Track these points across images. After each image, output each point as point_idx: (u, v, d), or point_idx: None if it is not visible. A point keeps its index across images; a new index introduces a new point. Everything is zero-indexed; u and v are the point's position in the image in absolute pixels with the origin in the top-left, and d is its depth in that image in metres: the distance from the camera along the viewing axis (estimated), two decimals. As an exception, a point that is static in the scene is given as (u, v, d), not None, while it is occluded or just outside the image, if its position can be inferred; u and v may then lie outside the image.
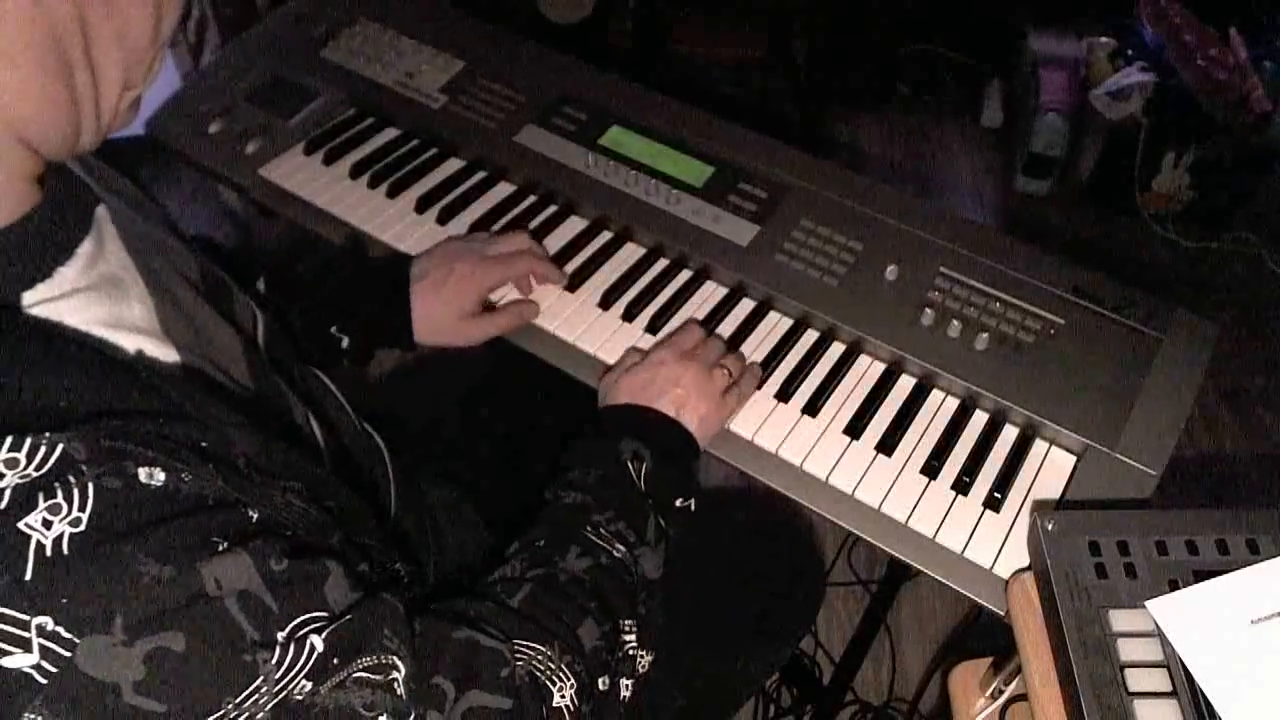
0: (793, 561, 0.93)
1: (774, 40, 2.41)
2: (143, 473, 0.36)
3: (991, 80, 2.43)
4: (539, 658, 0.50)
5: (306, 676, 0.38)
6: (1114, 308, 0.79)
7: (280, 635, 0.38)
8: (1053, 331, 0.78)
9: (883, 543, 0.68)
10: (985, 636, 1.33)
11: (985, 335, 0.77)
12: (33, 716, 0.33)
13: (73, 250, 0.42)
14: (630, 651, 0.56)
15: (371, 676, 0.41)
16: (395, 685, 0.42)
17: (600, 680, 0.53)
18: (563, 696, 0.50)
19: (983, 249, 0.83)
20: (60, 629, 0.32)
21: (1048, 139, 2.13)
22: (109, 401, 0.37)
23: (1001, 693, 0.65)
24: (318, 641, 0.39)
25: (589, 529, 0.59)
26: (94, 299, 0.42)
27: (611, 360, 0.78)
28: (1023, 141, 2.19)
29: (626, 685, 0.56)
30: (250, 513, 0.39)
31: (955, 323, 0.78)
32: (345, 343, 0.77)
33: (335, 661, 0.39)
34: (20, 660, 0.32)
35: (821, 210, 0.87)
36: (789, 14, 2.35)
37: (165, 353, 0.44)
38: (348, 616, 0.41)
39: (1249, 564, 0.55)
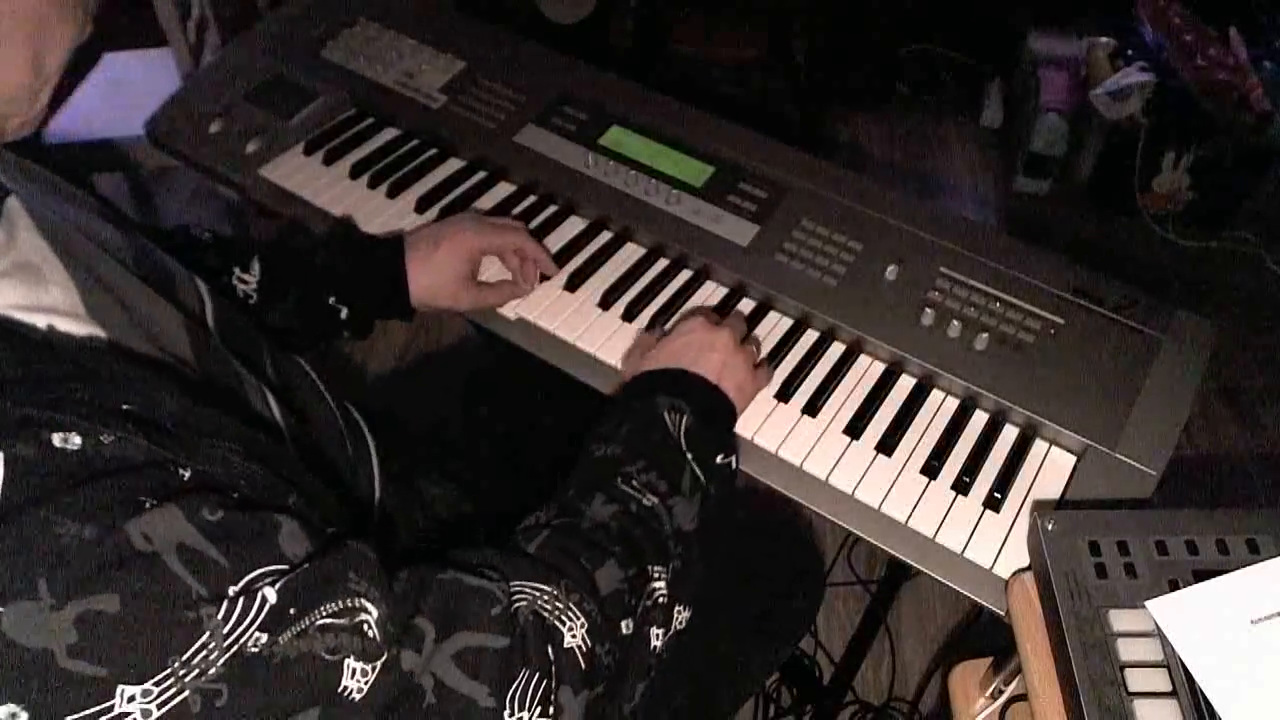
0: (793, 561, 0.93)
1: (774, 40, 2.41)
2: (57, 438, 0.35)
3: (991, 80, 2.43)
4: (544, 597, 0.48)
5: (260, 629, 0.37)
6: (1114, 308, 0.79)
7: (231, 590, 0.37)
8: (1053, 331, 0.78)
9: (883, 543, 0.68)
10: (985, 636, 1.34)
11: (985, 335, 0.77)
12: None
13: None
14: (660, 600, 0.54)
15: (336, 621, 0.39)
16: (365, 627, 0.40)
17: (623, 623, 0.51)
18: (573, 636, 0.48)
19: (983, 249, 0.83)
20: None
21: (1048, 139, 2.13)
22: (16, 374, 0.37)
23: (1001, 693, 0.65)
24: (270, 593, 0.38)
25: (619, 479, 0.58)
26: (5, 285, 0.41)
27: (612, 360, 0.78)
28: (1023, 141, 2.19)
29: (658, 635, 0.54)
30: (181, 471, 0.39)
31: (955, 323, 0.78)
32: (344, 314, 0.77)
33: (292, 611, 0.38)
34: None
35: (821, 210, 0.87)
36: (789, 14, 2.35)
37: (82, 328, 0.43)
38: (305, 565, 0.40)
39: (1249, 564, 0.55)
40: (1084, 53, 2.15)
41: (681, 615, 0.56)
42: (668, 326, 0.79)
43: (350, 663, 0.39)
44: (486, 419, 0.98)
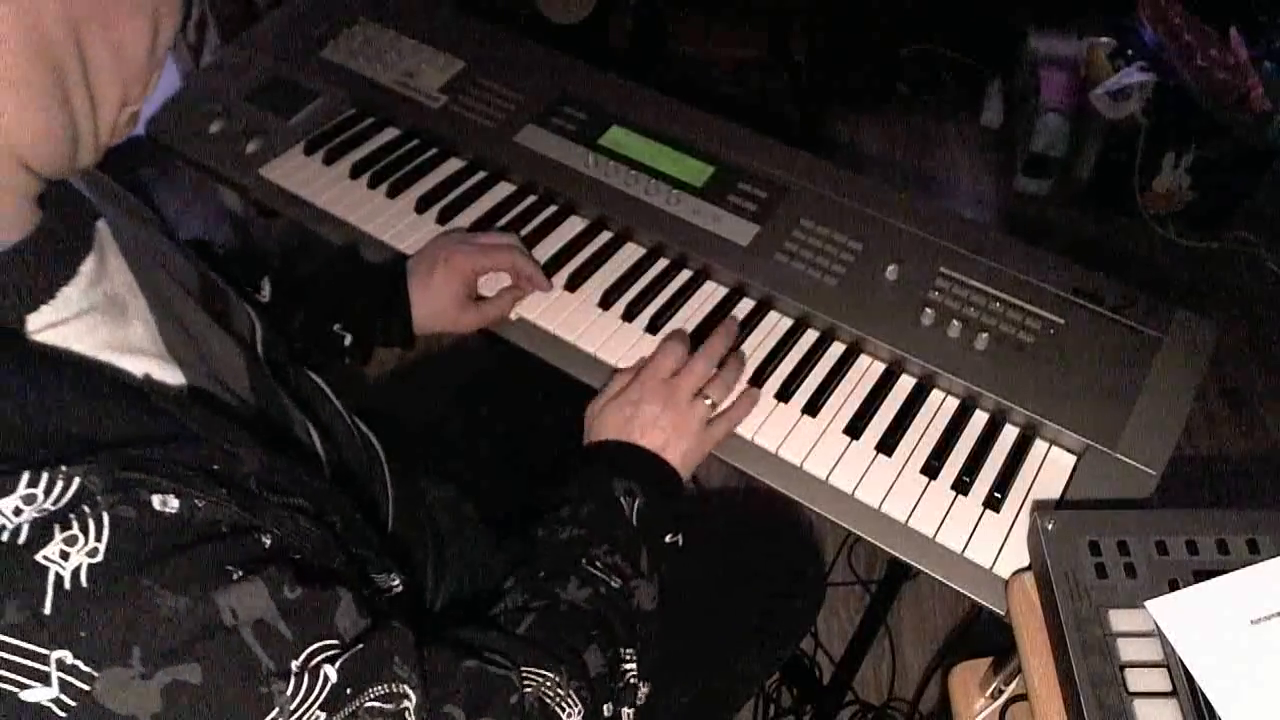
0: (793, 561, 0.93)
1: (774, 40, 2.41)
2: (156, 500, 0.36)
3: (991, 80, 2.43)
4: (547, 684, 0.50)
5: (321, 707, 0.38)
6: (1114, 308, 0.79)
7: (294, 665, 0.38)
8: (1053, 331, 0.78)
9: (883, 543, 0.68)
10: (985, 636, 1.34)
11: (985, 335, 0.77)
12: None
13: (75, 269, 0.42)
14: (631, 681, 0.57)
15: (383, 706, 0.41)
16: (406, 714, 0.42)
17: (605, 707, 0.54)
18: None
19: (983, 249, 0.83)
20: (79, 662, 0.32)
21: (1048, 139, 2.13)
22: (121, 429, 0.37)
23: (1001, 693, 0.65)
24: (331, 671, 0.39)
25: (586, 561, 0.59)
26: (99, 322, 0.41)
27: (612, 360, 0.78)
28: (1023, 141, 2.19)
29: (628, 715, 0.56)
30: (263, 538, 0.39)
31: (955, 323, 0.78)
32: (347, 340, 0.78)
33: (348, 691, 0.39)
34: (40, 694, 0.32)
35: (821, 210, 0.87)
36: (789, 14, 2.35)
37: (171, 374, 0.44)
38: (359, 645, 0.41)
39: (1249, 564, 0.55)
40: (1084, 53, 2.15)
41: (643, 691, 0.58)
42: (655, 341, 0.79)
43: None
44: (486, 419, 0.98)
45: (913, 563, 0.67)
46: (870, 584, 1.50)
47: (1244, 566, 0.54)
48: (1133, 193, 2.08)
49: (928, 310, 0.79)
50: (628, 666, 0.57)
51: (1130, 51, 2.07)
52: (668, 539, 0.65)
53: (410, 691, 0.42)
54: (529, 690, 0.49)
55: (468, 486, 0.88)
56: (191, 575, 0.35)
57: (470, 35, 1.06)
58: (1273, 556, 0.55)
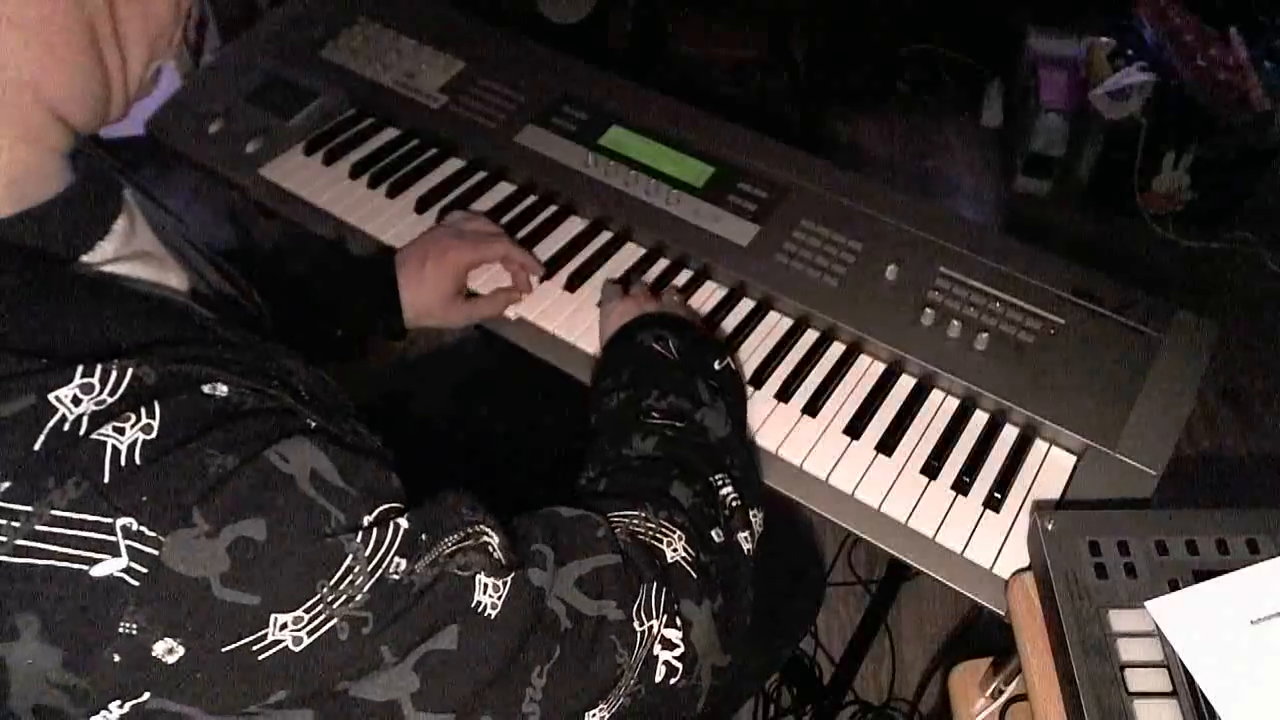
0: (793, 561, 0.93)
1: (774, 40, 2.41)
2: (206, 387, 0.36)
3: (991, 80, 2.43)
4: (635, 520, 0.50)
5: (399, 554, 0.38)
6: (1114, 308, 0.79)
7: (366, 519, 0.38)
8: (1053, 331, 0.78)
9: (883, 543, 0.68)
10: (985, 636, 1.34)
11: (985, 335, 0.77)
12: (128, 625, 0.33)
13: (110, 225, 0.43)
14: (734, 504, 0.56)
15: (465, 544, 0.41)
16: (489, 548, 0.42)
17: (714, 532, 0.53)
18: (674, 551, 0.49)
19: (983, 249, 0.83)
20: (144, 528, 0.33)
21: (1048, 139, 2.12)
22: (168, 333, 0.38)
23: (1001, 693, 0.65)
24: (403, 521, 0.39)
25: (643, 415, 0.59)
26: (138, 266, 0.43)
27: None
28: (1023, 141, 2.19)
29: (745, 538, 0.56)
30: (310, 421, 0.40)
31: (955, 323, 0.78)
32: (338, 334, 0.79)
33: (424, 538, 0.39)
34: (110, 566, 0.32)
35: (821, 210, 0.87)
36: (789, 14, 2.35)
37: (209, 311, 0.45)
38: (426, 502, 0.41)
39: (1249, 564, 0.55)
40: (1084, 53, 2.15)
41: (757, 517, 0.58)
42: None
43: (482, 578, 0.40)
44: (486, 418, 0.98)
45: (913, 563, 0.67)
46: (870, 584, 1.50)
47: (1244, 566, 0.54)
48: (1133, 193, 2.08)
49: (928, 310, 0.79)
50: (725, 491, 0.56)
51: (1130, 51, 2.07)
52: (717, 365, 0.66)
53: (489, 530, 0.42)
54: (617, 529, 0.49)
55: (468, 486, 0.88)
56: (242, 438, 0.36)
57: (470, 35, 1.06)
58: (1273, 556, 0.55)
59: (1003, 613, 0.63)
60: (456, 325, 0.83)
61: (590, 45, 2.12)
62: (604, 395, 0.63)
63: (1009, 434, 0.74)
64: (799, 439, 0.73)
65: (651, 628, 0.46)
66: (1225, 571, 0.54)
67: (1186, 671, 0.51)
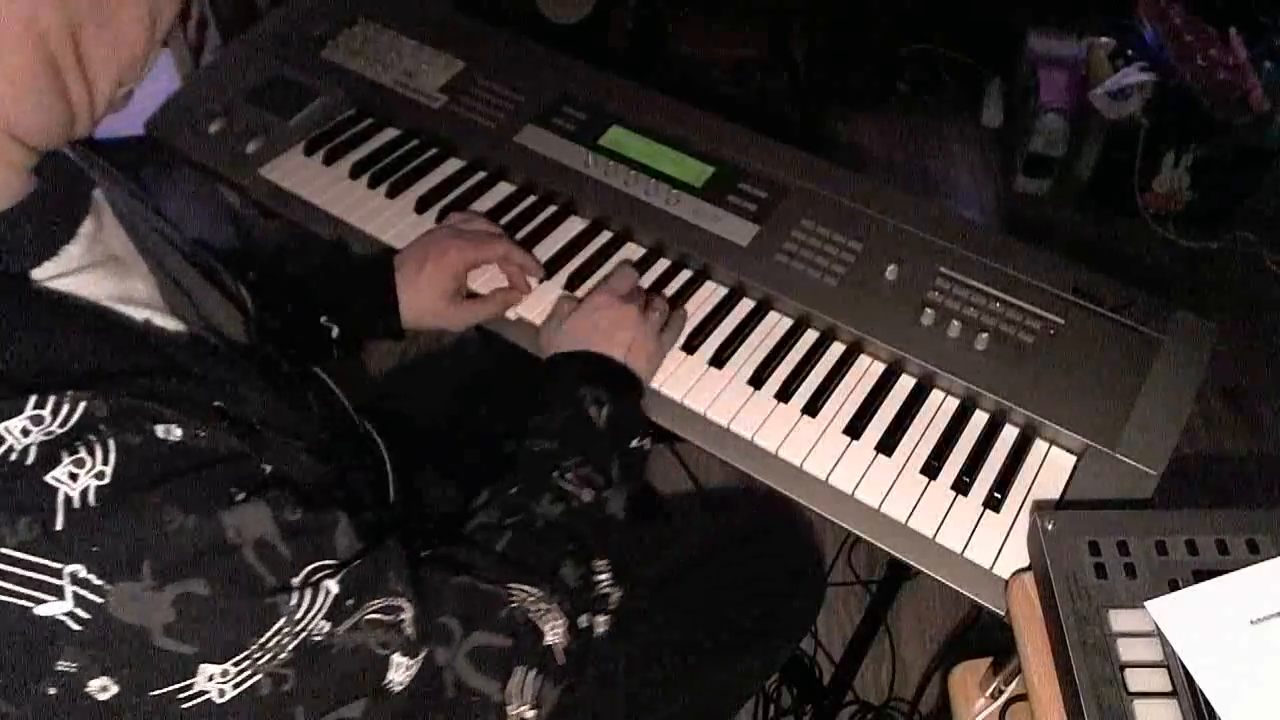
0: (793, 561, 0.93)
1: (774, 40, 2.41)
2: (160, 429, 0.37)
3: (991, 80, 2.43)
4: (531, 598, 0.52)
5: (325, 617, 0.40)
6: (1114, 308, 0.79)
7: (295, 580, 0.39)
8: (1053, 331, 0.78)
9: (883, 543, 0.68)
10: (985, 636, 1.34)
11: (985, 335, 0.77)
12: (66, 664, 0.34)
13: (75, 230, 0.43)
14: (604, 590, 0.59)
15: (383, 618, 0.43)
16: (404, 625, 0.44)
17: (583, 617, 0.56)
18: (555, 634, 0.52)
19: (983, 249, 0.83)
20: (92, 576, 0.33)
21: (1048, 139, 2.12)
22: (123, 364, 0.38)
23: (1001, 693, 0.65)
24: (332, 585, 0.41)
25: (558, 474, 0.61)
26: (102, 275, 0.43)
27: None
28: (1023, 141, 2.19)
29: (602, 622, 0.59)
30: (264, 465, 0.41)
31: (955, 323, 0.78)
32: (335, 332, 0.79)
33: (350, 603, 0.41)
34: (54, 608, 0.33)
35: (821, 210, 0.87)
36: (789, 14, 2.35)
37: (171, 323, 0.45)
38: (358, 561, 0.43)
39: (1249, 564, 0.55)
40: (1084, 53, 2.15)
41: (616, 597, 0.60)
42: (579, 294, 0.82)
43: (397, 658, 0.43)
44: (486, 418, 0.98)
45: (913, 563, 0.67)
46: (870, 584, 1.50)
47: (1244, 566, 0.54)
48: (1133, 193, 2.08)
49: (928, 310, 0.79)
50: (601, 577, 0.59)
51: (1130, 51, 2.07)
52: (634, 444, 0.67)
53: (406, 604, 0.44)
54: (515, 605, 0.51)
55: (468, 486, 0.88)
56: (198, 495, 0.37)
57: (470, 35, 1.06)
58: (1273, 556, 0.55)
59: (1003, 613, 0.63)
60: (455, 327, 0.83)
61: (590, 45, 2.12)
62: (534, 434, 0.64)
63: (1009, 434, 0.74)
64: (799, 439, 0.73)
65: (521, 710, 0.49)
66: (1225, 571, 0.54)
67: (1186, 671, 0.51)
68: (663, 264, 0.87)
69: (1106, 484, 0.69)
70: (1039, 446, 0.74)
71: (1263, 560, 0.55)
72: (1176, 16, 2.01)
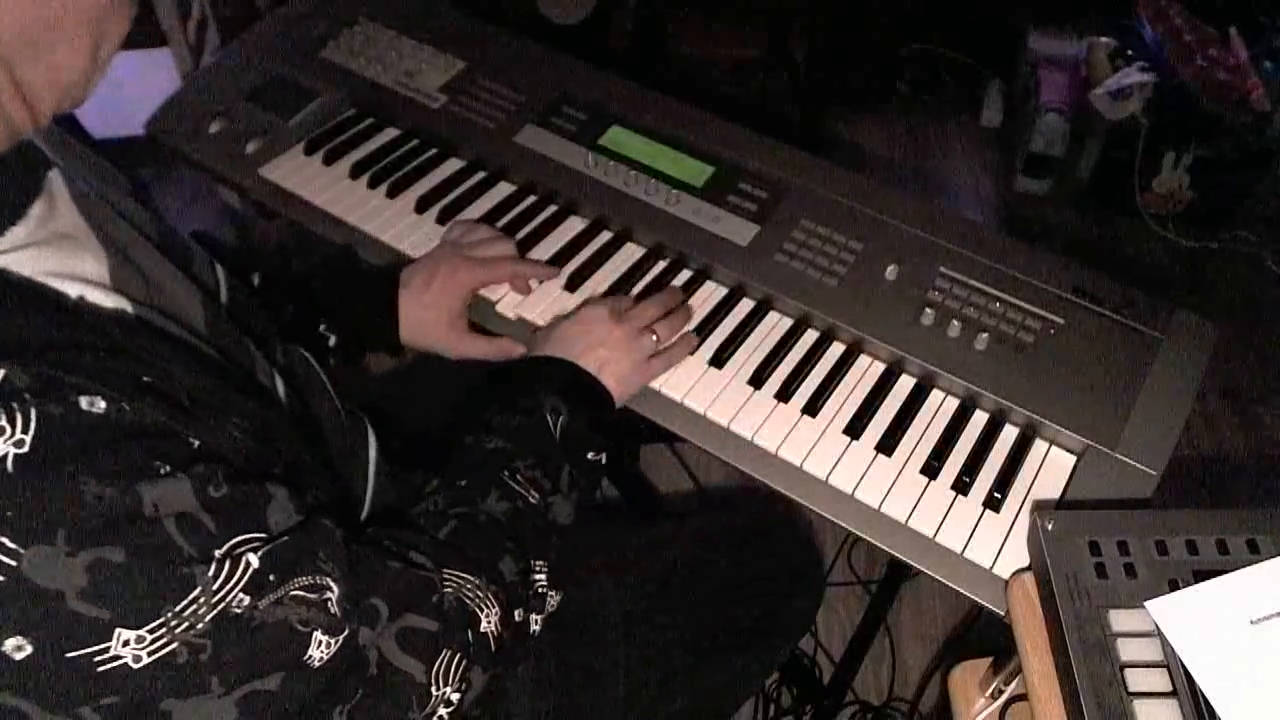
0: (793, 561, 0.93)
1: (774, 40, 2.41)
2: (83, 400, 0.37)
3: (991, 80, 2.43)
4: (467, 585, 0.53)
5: (244, 590, 0.40)
6: (1114, 308, 0.79)
7: (217, 553, 0.40)
8: (1053, 331, 0.78)
9: (883, 543, 0.68)
10: (985, 636, 1.34)
11: (985, 335, 0.77)
12: None
13: (24, 211, 0.43)
14: (540, 590, 0.60)
15: (307, 595, 0.43)
16: (329, 604, 0.44)
17: (517, 611, 0.57)
18: (489, 621, 0.53)
19: (983, 249, 0.83)
20: (5, 539, 0.34)
21: (1048, 139, 2.13)
22: (49, 337, 0.39)
23: (1001, 693, 0.65)
24: (254, 559, 0.41)
25: (508, 474, 0.62)
26: (44, 252, 0.43)
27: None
28: (1023, 141, 2.19)
29: (536, 620, 0.60)
30: (191, 440, 0.41)
31: (955, 323, 0.78)
32: (332, 341, 0.79)
33: (272, 578, 0.42)
34: None
35: (821, 210, 0.87)
36: (789, 14, 2.35)
37: (111, 300, 0.45)
38: (284, 538, 0.43)
39: (1249, 564, 0.55)
40: (1084, 53, 2.15)
41: (553, 600, 0.61)
42: (578, 294, 0.82)
43: (318, 635, 0.43)
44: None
45: (913, 563, 0.67)
46: (870, 584, 1.50)
47: (1244, 566, 0.54)
48: (1133, 193, 2.08)
49: (928, 310, 0.79)
50: (538, 577, 0.60)
51: (1130, 51, 2.07)
52: (590, 456, 0.68)
53: (333, 584, 0.45)
54: (449, 590, 0.52)
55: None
56: (117, 468, 0.37)
57: (470, 35, 1.06)
58: (1273, 556, 0.55)
59: (1003, 613, 0.63)
60: (452, 354, 0.82)
61: (590, 45, 2.12)
62: (486, 431, 0.65)
63: (1009, 434, 0.74)
64: (799, 439, 0.73)
65: (445, 692, 0.50)
66: (1225, 571, 0.54)
67: (1186, 671, 0.51)
68: (662, 264, 0.87)
69: (1106, 484, 0.69)
70: (1039, 446, 0.74)
71: (1263, 560, 0.55)
72: (1176, 16, 2.02)
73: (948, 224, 0.85)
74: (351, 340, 0.80)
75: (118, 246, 0.49)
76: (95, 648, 0.36)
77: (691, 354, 0.79)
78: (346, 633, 0.45)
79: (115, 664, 0.37)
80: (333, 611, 0.44)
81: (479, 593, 0.53)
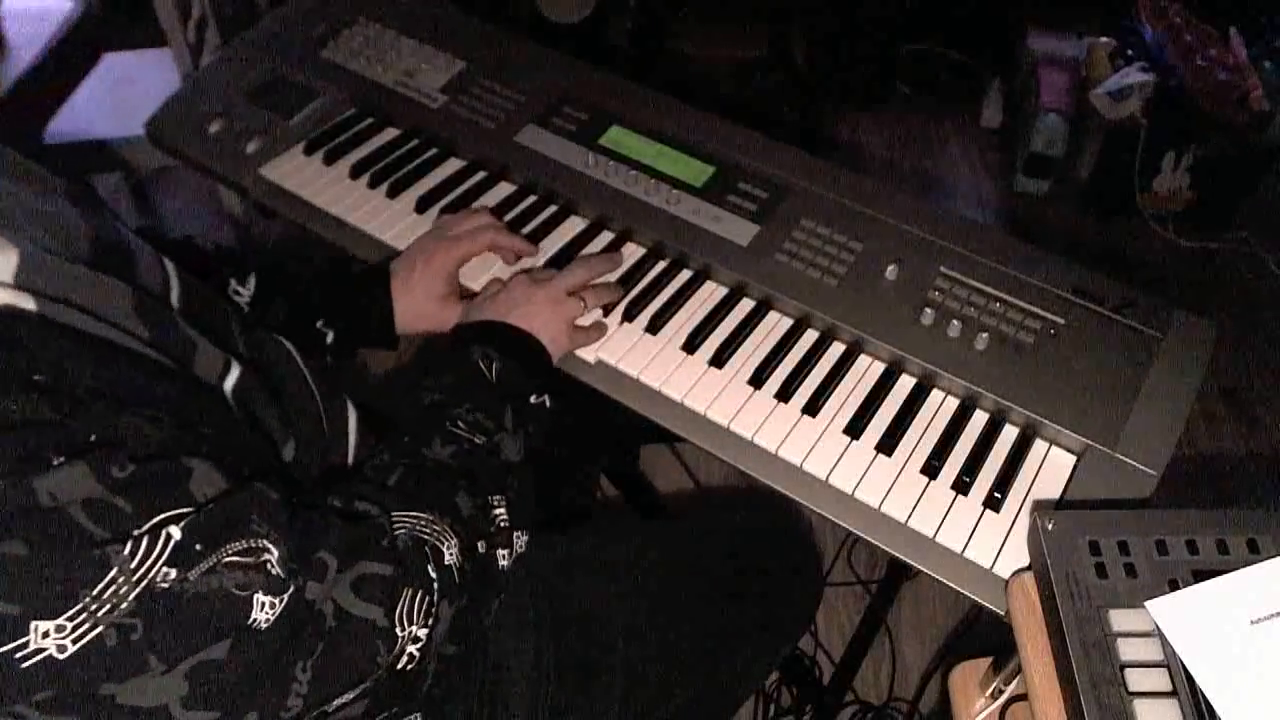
0: (793, 561, 0.93)
1: (774, 40, 2.41)
2: None
3: (991, 80, 2.43)
4: (421, 523, 0.53)
5: (167, 564, 0.40)
6: (1114, 308, 0.79)
7: (136, 532, 0.39)
8: (1053, 331, 0.78)
9: (883, 543, 0.68)
10: (985, 636, 1.33)
11: (985, 335, 0.77)
12: None
13: None
14: (502, 525, 0.60)
15: (242, 559, 0.42)
16: (269, 565, 0.44)
17: (479, 544, 0.57)
18: (451, 555, 0.54)
19: (983, 249, 0.83)
20: None
21: (1048, 139, 2.13)
22: None
23: (1001, 693, 0.65)
24: (175, 531, 0.40)
25: (449, 422, 0.62)
26: None
27: (612, 361, 0.78)
28: (1023, 141, 2.19)
29: (503, 555, 0.60)
30: (87, 429, 0.40)
31: (955, 323, 0.78)
32: (329, 338, 0.79)
33: (199, 548, 0.41)
34: None
35: (821, 210, 0.87)
36: (789, 14, 2.35)
37: (8, 296, 0.44)
38: (210, 506, 0.42)
39: (1249, 564, 0.55)
40: (1084, 53, 2.15)
41: (521, 539, 0.62)
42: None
43: (260, 596, 0.43)
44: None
45: (913, 563, 0.67)
46: (870, 584, 1.50)
47: (1244, 566, 0.54)
48: (1133, 193, 2.08)
49: (928, 310, 0.79)
50: (497, 511, 0.60)
51: (1130, 51, 2.07)
52: (533, 399, 0.69)
53: (271, 545, 0.44)
54: (401, 532, 0.52)
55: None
56: (5, 460, 0.36)
57: (470, 35, 1.06)
58: (1273, 556, 0.55)
59: (1003, 613, 0.63)
60: (448, 329, 0.81)
61: (590, 45, 2.12)
62: (419, 390, 0.66)
63: (1009, 434, 0.74)
64: (799, 439, 0.73)
65: (411, 630, 0.50)
66: (1225, 571, 0.54)
67: (1186, 671, 0.51)
68: (662, 264, 0.87)
69: (1106, 484, 0.69)
70: (1039, 446, 0.74)
71: (1263, 560, 0.55)
72: (1176, 16, 2.02)
73: (948, 224, 0.85)
74: (348, 337, 0.80)
75: (33, 246, 0.48)
76: (13, 644, 0.36)
77: (692, 355, 0.79)
78: (292, 590, 0.44)
79: (39, 657, 0.36)
80: (274, 572, 0.44)
81: (435, 527, 0.54)
